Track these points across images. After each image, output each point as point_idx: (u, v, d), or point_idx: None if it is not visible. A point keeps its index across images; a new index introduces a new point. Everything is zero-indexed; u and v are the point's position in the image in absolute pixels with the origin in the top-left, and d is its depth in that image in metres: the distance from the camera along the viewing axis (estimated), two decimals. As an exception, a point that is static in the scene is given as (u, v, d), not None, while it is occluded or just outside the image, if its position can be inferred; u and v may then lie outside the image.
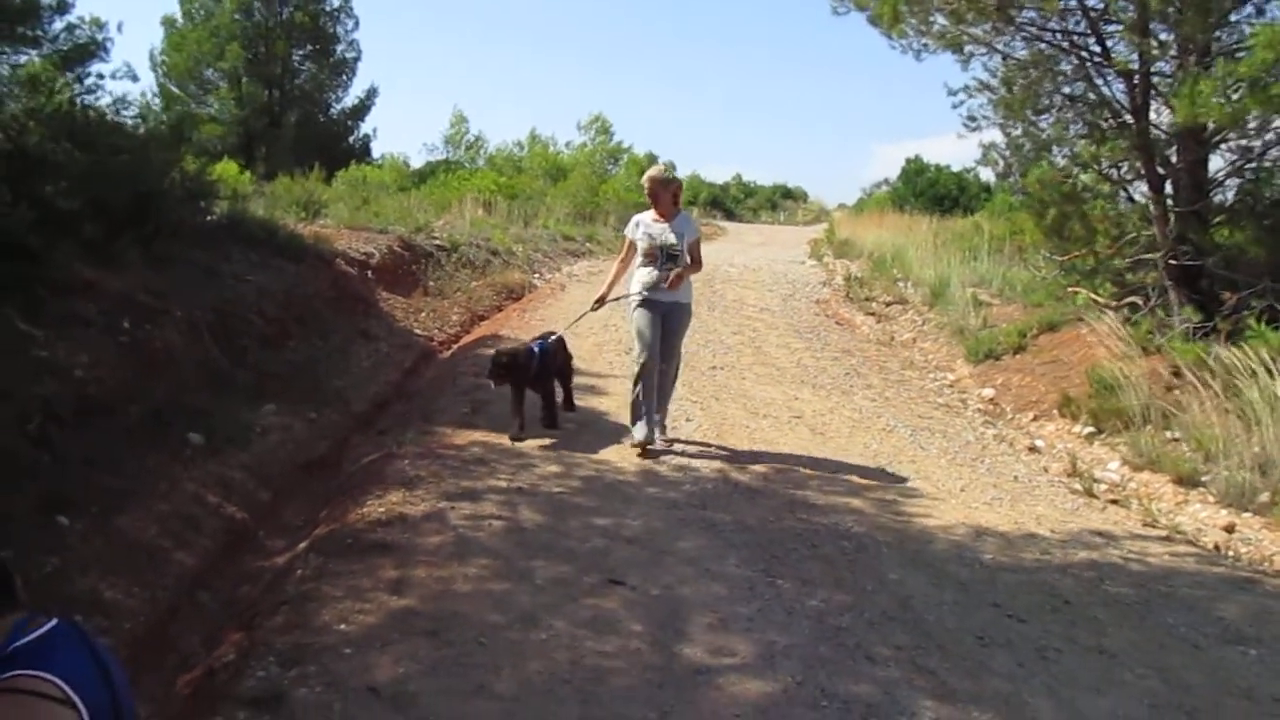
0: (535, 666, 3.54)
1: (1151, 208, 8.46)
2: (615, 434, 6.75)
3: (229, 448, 5.97)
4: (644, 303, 6.34)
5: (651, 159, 34.99)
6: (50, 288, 5.60)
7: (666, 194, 6.34)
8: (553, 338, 7.03)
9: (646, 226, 6.34)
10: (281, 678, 3.29)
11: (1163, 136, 8.42)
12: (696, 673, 3.58)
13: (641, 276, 6.37)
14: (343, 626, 3.71)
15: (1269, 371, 6.61)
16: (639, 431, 6.33)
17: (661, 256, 6.26)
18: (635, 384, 6.36)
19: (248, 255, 8.95)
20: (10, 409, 4.50)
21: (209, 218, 9.09)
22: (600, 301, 6.73)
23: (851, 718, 3.37)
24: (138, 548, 4.48)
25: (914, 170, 34.08)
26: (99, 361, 5.41)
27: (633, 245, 6.39)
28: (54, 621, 2.24)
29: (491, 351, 6.81)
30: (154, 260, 7.29)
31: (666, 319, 6.40)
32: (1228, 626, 4.41)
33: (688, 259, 6.36)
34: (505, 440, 6.50)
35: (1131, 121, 8.20)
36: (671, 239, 6.27)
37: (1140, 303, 8.82)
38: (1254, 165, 8.03)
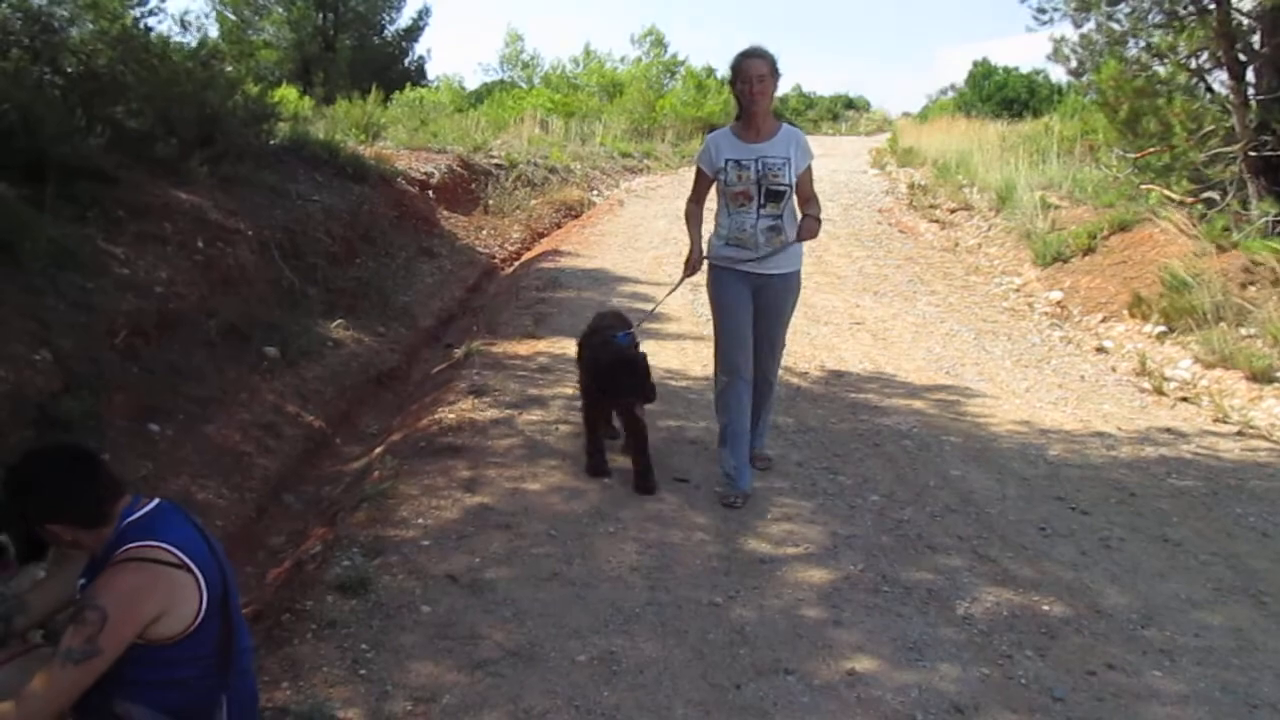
0: (604, 556, 3.68)
1: (1231, 97, 8.08)
2: (674, 344, 6.81)
3: (303, 360, 6.18)
4: (729, 272, 4.30)
5: (709, 71, 34.33)
6: (127, 208, 5.78)
7: (767, 91, 4.14)
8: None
9: (733, 151, 4.19)
10: (366, 566, 3.48)
11: (1245, 21, 7.99)
12: (760, 561, 3.69)
13: (729, 228, 4.26)
14: (421, 521, 3.89)
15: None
16: (725, 471, 4.31)
17: (759, 196, 4.17)
18: (718, 405, 4.44)
19: (312, 176, 9.09)
20: (99, 324, 4.72)
21: (272, 140, 9.23)
22: (692, 265, 4.30)
23: (912, 601, 3.46)
24: (224, 452, 4.72)
25: (981, 74, 32.78)
26: (176, 278, 5.61)
27: (706, 181, 4.33)
28: (157, 500, 2.42)
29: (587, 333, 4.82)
30: (223, 181, 7.45)
31: (761, 296, 4.31)
32: (1298, 517, 4.38)
33: (795, 201, 4.27)
34: (569, 349, 6.60)
35: (1212, 6, 7.78)
36: (777, 167, 4.14)
37: (1217, 198, 8.49)
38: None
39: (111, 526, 2.25)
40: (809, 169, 4.27)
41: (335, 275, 7.68)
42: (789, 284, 4.36)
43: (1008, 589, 3.57)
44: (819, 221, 4.21)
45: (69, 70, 6.42)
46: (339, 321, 7.00)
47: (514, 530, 3.85)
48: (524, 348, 6.68)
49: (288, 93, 17.30)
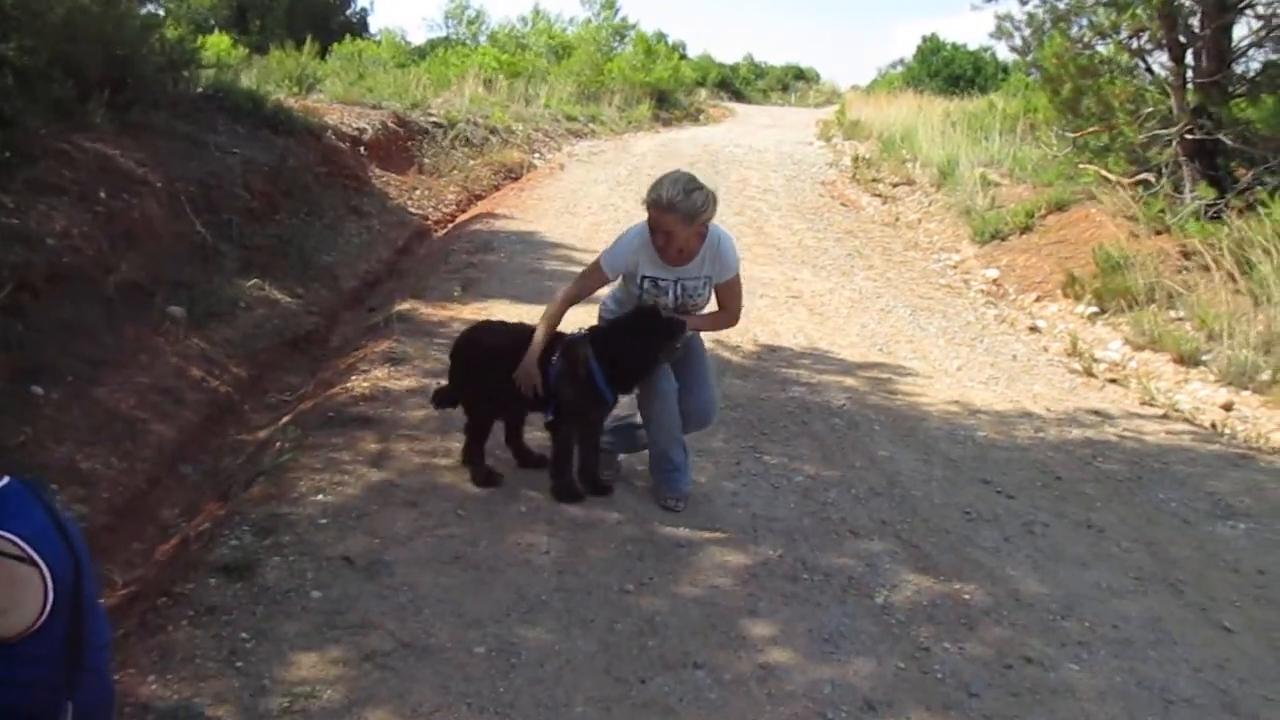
0: (513, 538, 3.50)
1: (1170, 79, 8.07)
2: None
3: (212, 322, 5.86)
4: None
5: (660, 36, 33.83)
6: (18, 152, 5.38)
7: (688, 234, 3.63)
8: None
9: (652, 268, 3.71)
10: (255, 546, 3.25)
11: (1186, 3, 7.98)
12: (677, 545, 3.55)
13: (632, 302, 3.85)
14: (320, 497, 3.67)
15: (1283, 248, 6.40)
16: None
17: (675, 309, 3.77)
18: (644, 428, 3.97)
19: (234, 127, 8.64)
20: (-21, 277, 4.37)
21: (196, 88, 8.76)
22: (527, 375, 3.65)
23: (831, 589, 3.34)
24: (116, 418, 4.42)
25: (929, 49, 32.86)
26: (73, 230, 5.23)
27: (599, 283, 3.86)
28: (4, 480, 2.16)
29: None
30: (133, 129, 7.02)
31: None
32: (1218, 502, 4.36)
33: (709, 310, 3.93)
34: (496, 315, 6.36)
35: (1156, -14, 7.75)
36: (696, 291, 3.78)
37: (1152, 180, 8.52)
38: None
39: None
40: (735, 279, 3.84)
41: (253, 232, 7.30)
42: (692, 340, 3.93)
43: (928, 576, 3.48)
44: (703, 323, 3.90)
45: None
46: (254, 281, 6.66)
47: (419, 509, 3.64)
48: (448, 313, 6.43)
49: (219, 41, 16.62)
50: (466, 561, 3.30)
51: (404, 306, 6.45)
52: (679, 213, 3.54)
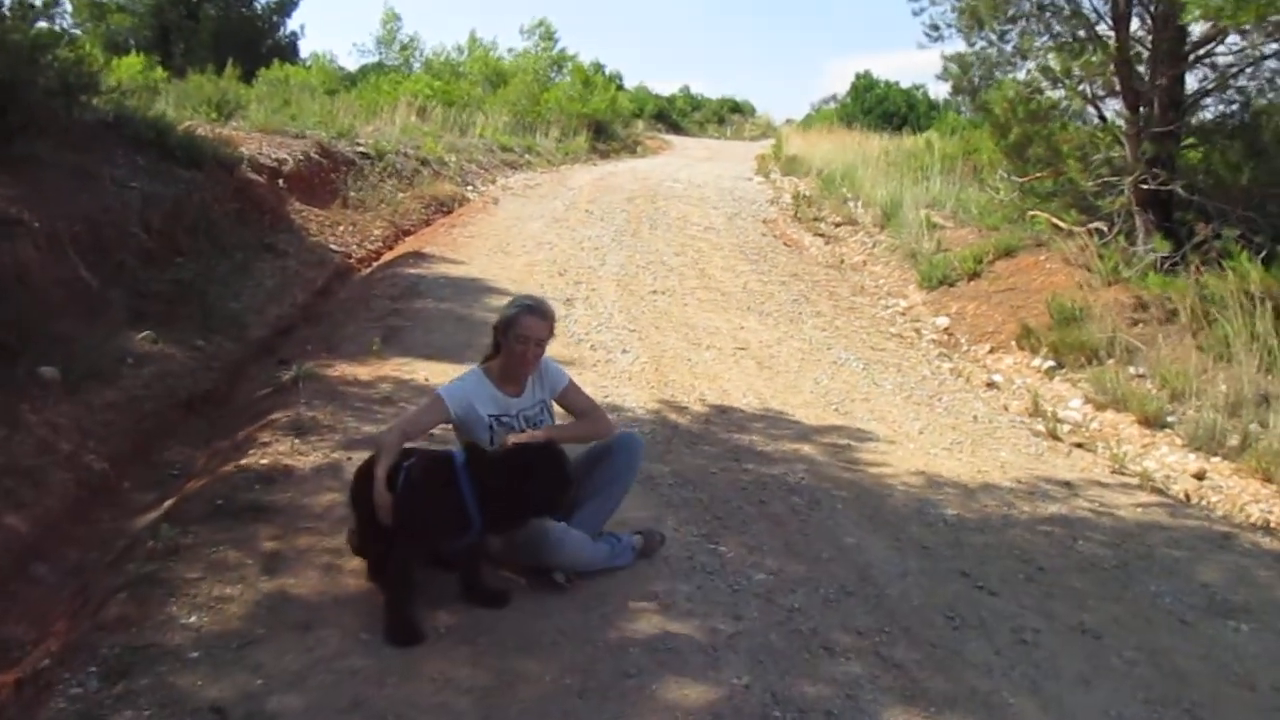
0: (429, 671, 2.92)
1: (1125, 126, 7.89)
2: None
3: (91, 383, 5.18)
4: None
5: (597, 67, 33.59)
6: None
7: (540, 355, 3.60)
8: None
9: (495, 406, 3.55)
10: (101, 696, 2.62)
11: (1141, 51, 7.81)
12: (625, 675, 2.99)
13: None
14: (194, 619, 3.04)
15: (1252, 302, 6.15)
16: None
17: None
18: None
19: (134, 159, 7.94)
20: None
21: (90, 116, 8.03)
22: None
23: (807, 730, 2.83)
24: (-45, 512, 3.73)
25: (863, 86, 33.25)
26: (-78, 283, 4.55)
27: (439, 419, 3.56)
28: None
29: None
30: (12, 162, 6.33)
31: None
32: (1213, 595, 3.98)
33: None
34: (419, 376, 5.79)
35: (1111, 32, 7.55)
36: (536, 418, 3.64)
37: (1105, 229, 8.32)
38: (1236, 84, 7.47)
39: None
40: (571, 384, 3.77)
41: (148, 276, 6.62)
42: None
43: (917, 709, 2.98)
44: (593, 433, 3.73)
45: None
46: (146, 333, 5.98)
47: (315, 632, 3.04)
48: (366, 370, 5.82)
49: (132, 61, 15.71)
50: (369, 709, 2.70)
51: (315, 363, 5.82)
52: (549, 319, 3.61)
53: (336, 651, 2.95)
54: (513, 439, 3.40)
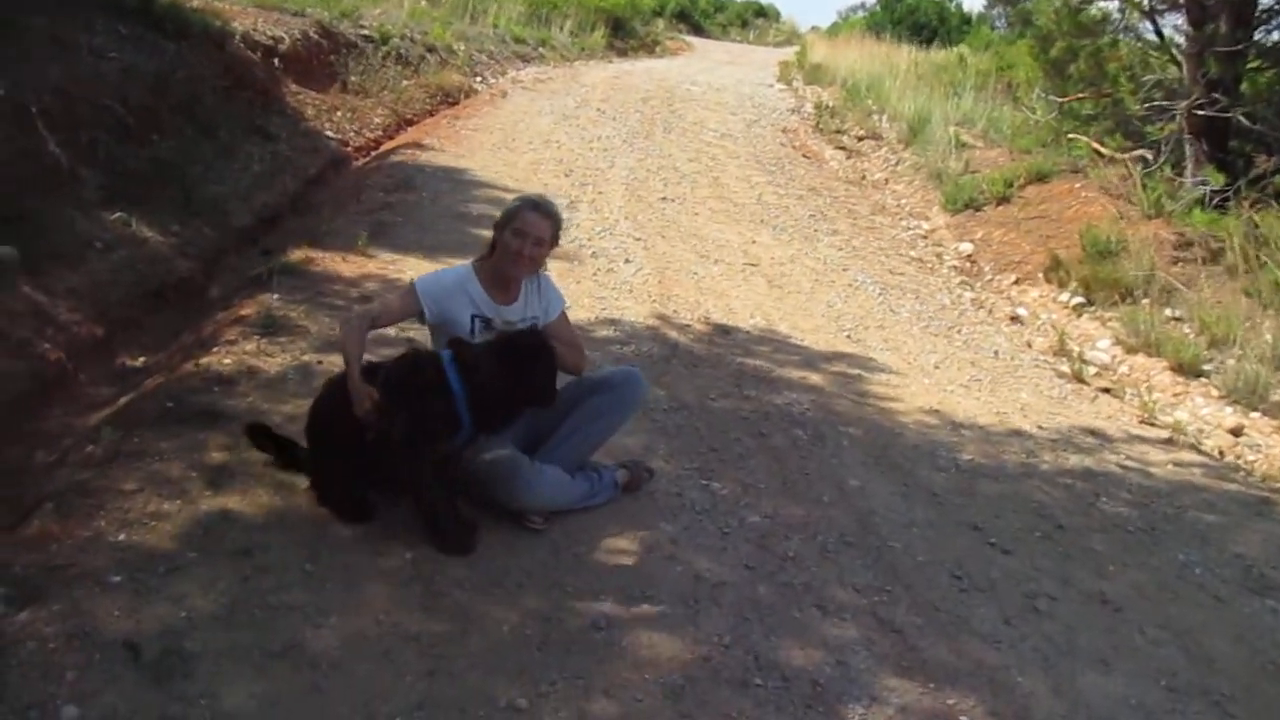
0: (375, 609, 2.62)
1: (1185, 43, 7.26)
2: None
3: (54, 266, 4.80)
4: None
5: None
6: None
7: (540, 258, 3.25)
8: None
9: (479, 308, 3.21)
10: (4, 623, 2.33)
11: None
12: (593, 627, 2.69)
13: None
14: (122, 537, 2.73)
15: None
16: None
17: None
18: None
19: (115, 28, 7.36)
20: None
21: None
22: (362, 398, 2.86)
23: (791, 702, 2.54)
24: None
25: (894, -6, 31.76)
26: None
27: (410, 314, 3.21)
28: None
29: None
30: (-26, 22, 5.84)
31: None
32: (1249, 569, 3.65)
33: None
34: (407, 275, 5.40)
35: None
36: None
37: (1150, 158, 7.76)
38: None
39: None
40: (564, 316, 3.43)
41: (124, 154, 6.16)
42: None
43: (915, 682, 2.69)
44: (570, 364, 3.26)
45: None
46: (119, 215, 5.57)
47: (255, 559, 2.73)
48: (350, 267, 5.44)
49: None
50: (302, 653, 2.41)
51: (295, 256, 5.44)
52: (554, 220, 3.23)
53: (275, 584, 2.65)
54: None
